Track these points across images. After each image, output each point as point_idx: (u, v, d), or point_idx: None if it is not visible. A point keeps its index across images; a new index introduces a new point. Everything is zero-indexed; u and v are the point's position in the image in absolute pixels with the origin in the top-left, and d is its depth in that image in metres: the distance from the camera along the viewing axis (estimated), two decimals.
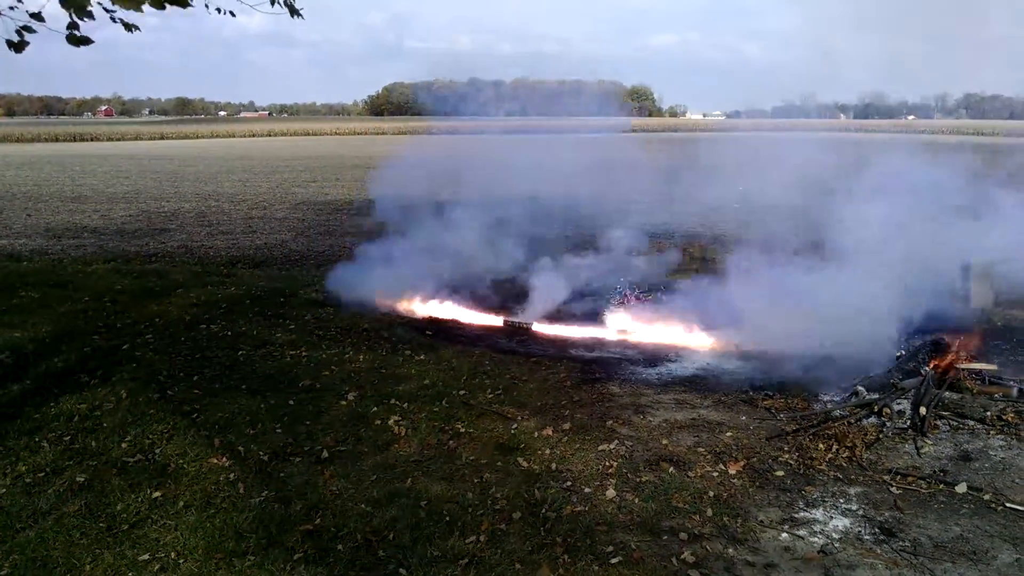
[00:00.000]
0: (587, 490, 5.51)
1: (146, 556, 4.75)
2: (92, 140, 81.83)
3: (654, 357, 8.73)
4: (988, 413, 6.59)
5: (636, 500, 5.36)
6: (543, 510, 5.23)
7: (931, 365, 7.37)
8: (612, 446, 6.21)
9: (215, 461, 5.95)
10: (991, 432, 6.37)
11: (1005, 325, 9.87)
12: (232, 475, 5.74)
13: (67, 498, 5.44)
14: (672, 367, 8.38)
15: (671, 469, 5.80)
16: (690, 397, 7.35)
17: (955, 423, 6.56)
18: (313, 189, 29.88)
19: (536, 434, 6.44)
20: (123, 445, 6.27)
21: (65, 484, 5.64)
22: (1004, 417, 6.55)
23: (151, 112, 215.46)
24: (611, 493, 5.45)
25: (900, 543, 4.84)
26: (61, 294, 11.49)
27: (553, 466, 5.88)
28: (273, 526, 5.06)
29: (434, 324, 10.23)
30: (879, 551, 4.75)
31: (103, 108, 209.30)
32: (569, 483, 5.62)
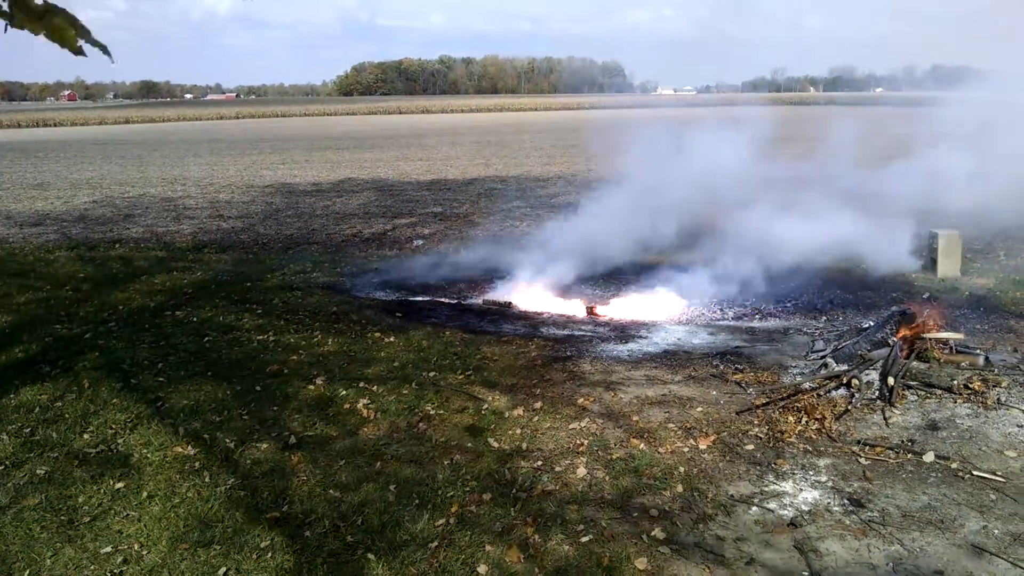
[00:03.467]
0: (558, 469, 5.47)
1: (108, 549, 4.65)
2: (55, 125, 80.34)
3: (625, 333, 8.71)
4: (955, 382, 6.64)
5: (607, 478, 5.34)
6: (514, 490, 5.19)
7: (898, 335, 7.40)
8: (583, 424, 6.18)
9: (180, 450, 5.85)
10: (958, 401, 6.42)
11: (971, 294, 9.96)
12: (197, 463, 5.64)
13: (27, 491, 5.31)
14: (643, 343, 8.36)
15: (642, 446, 5.78)
16: (661, 373, 7.33)
17: (923, 392, 6.59)
18: (282, 171, 29.51)
19: (507, 414, 6.39)
20: (85, 436, 6.14)
21: (25, 477, 5.51)
22: (971, 386, 6.60)
23: (115, 96, 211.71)
24: (582, 471, 5.42)
25: (869, 513, 4.86)
26: (22, 283, 11.24)
27: (524, 445, 5.84)
28: (239, 514, 4.97)
29: (404, 306, 10.14)
30: (848, 522, 4.77)
31: (66, 93, 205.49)
32: (540, 462, 5.58)
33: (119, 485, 5.37)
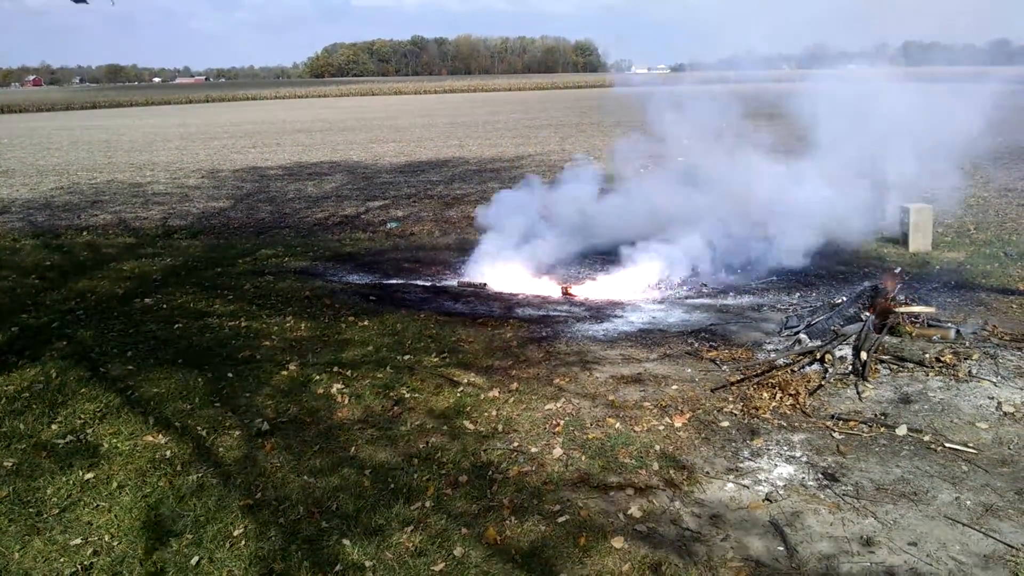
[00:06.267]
0: (534, 450, 5.45)
1: (78, 540, 4.57)
2: (20, 111, 78.80)
3: (600, 313, 8.70)
4: (927, 355, 6.69)
5: (583, 458, 5.32)
6: (490, 472, 5.16)
7: (871, 310, 7.44)
8: (559, 404, 6.16)
9: (150, 439, 5.76)
10: (930, 374, 6.47)
11: (942, 268, 10.05)
12: (168, 452, 5.55)
13: None
14: (618, 323, 8.35)
15: (617, 425, 5.77)
16: (636, 352, 7.33)
17: (895, 366, 6.64)
18: (253, 155, 29.15)
19: (482, 396, 6.36)
20: (53, 427, 6.03)
21: None
22: (942, 359, 6.65)
23: (82, 80, 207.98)
24: (558, 452, 5.41)
25: (843, 487, 4.88)
26: None
27: (500, 427, 5.81)
28: (212, 502, 4.90)
29: (378, 289, 10.05)
30: (822, 496, 4.79)
31: (31, 78, 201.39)
32: (516, 444, 5.55)
33: (88, 476, 5.28)
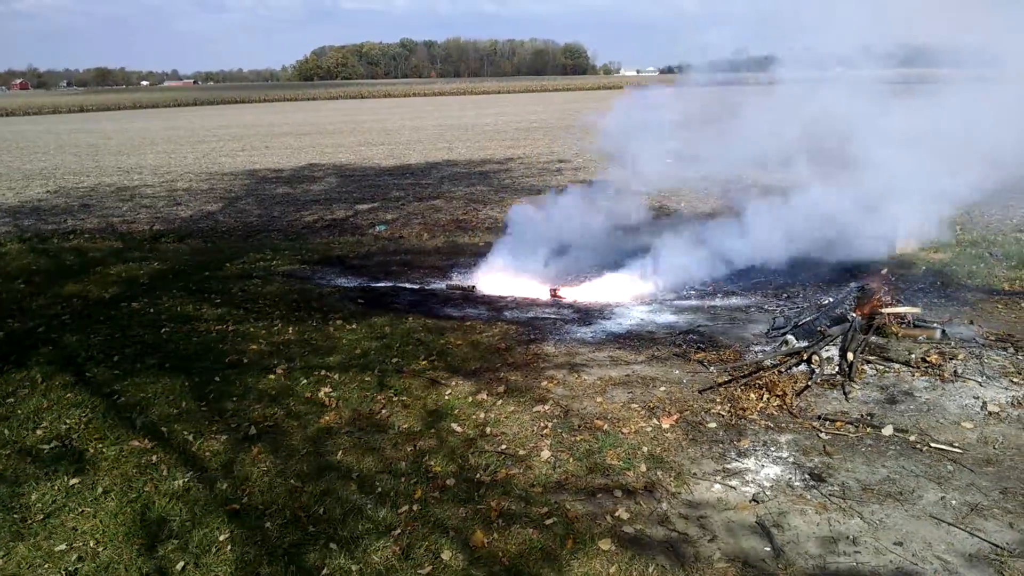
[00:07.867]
0: (521, 452, 5.45)
1: (63, 546, 4.54)
2: (7, 115, 78.34)
3: (588, 315, 8.70)
4: (913, 356, 6.72)
5: (571, 460, 5.32)
6: (477, 475, 5.16)
7: (857, 311, 7.48)
8: (547, 407, 6.16)
9: (136, 443, 5.72)
10: (916, 374, 6.50)
11: (928, 269, 10.09)
12: (154, 457, 5.52)
13: None
14: (607, 324, 8.35)
15: (605, 427, 5.77)
16: (624, 354, 7.33)
17: (881, 367, 6.67)
18: (242, 158, 29.06)
19: (470, 399, 6.35)
20: (38, 432, 5.98)
21: None
22: (928, 359, 6.69)
23: (69, 84, 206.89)
24: (546, 454, 5.41)
25: (829, 487, 4.90)
26: None
27: (487, 430, 5.80)
28: (198, 508, 4.88)
29: (367, 292, 10.03)
30: (809, 496, 4.81)
31: (17, 82, 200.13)
32: (504, 446, 5.55)
33: (73, 481, 5.24)
